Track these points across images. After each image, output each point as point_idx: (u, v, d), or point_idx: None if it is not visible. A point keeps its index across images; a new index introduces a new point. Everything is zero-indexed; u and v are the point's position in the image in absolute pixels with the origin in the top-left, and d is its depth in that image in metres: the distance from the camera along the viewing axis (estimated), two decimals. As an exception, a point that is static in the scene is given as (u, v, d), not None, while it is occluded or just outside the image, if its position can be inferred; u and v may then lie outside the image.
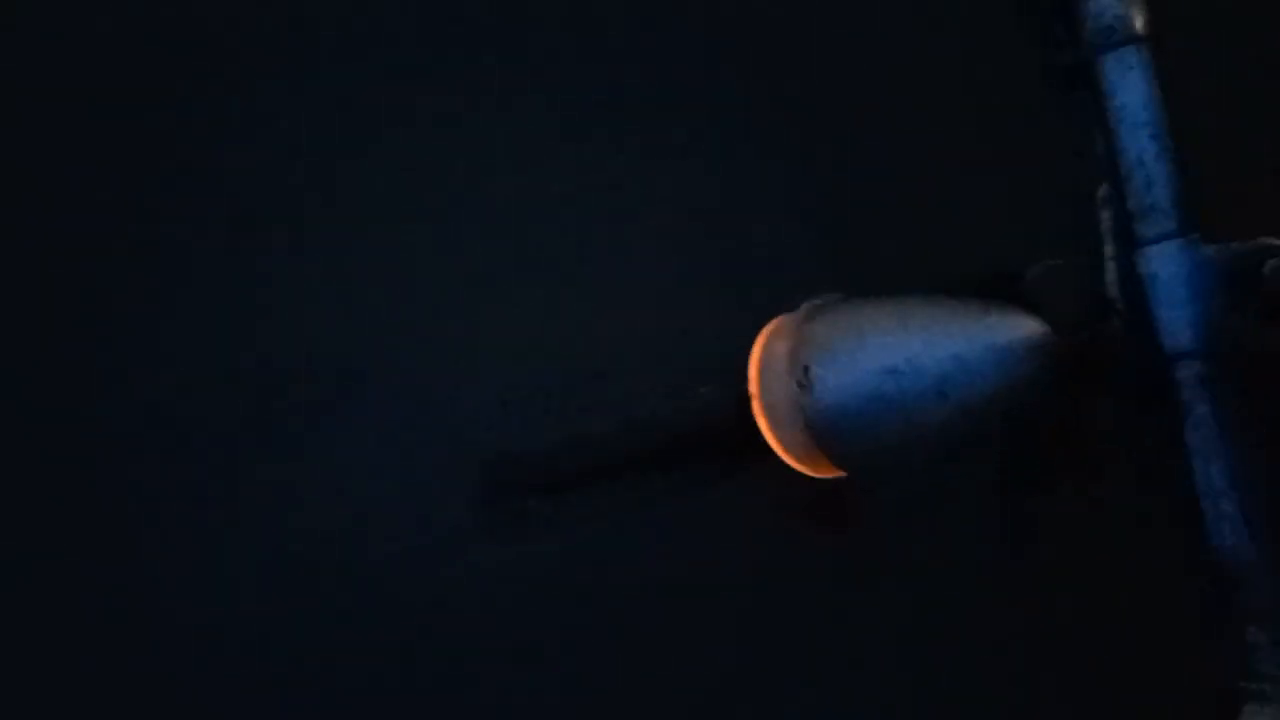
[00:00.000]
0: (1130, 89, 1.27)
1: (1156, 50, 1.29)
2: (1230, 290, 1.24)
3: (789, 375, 1.30)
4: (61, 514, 1.88)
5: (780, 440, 1.33)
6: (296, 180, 1.90)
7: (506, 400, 1.78)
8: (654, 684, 1.78)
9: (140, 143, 1.94)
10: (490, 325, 1.83)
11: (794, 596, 1.75)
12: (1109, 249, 1.29)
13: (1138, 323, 1.27)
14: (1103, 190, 1.30)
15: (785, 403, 1.31)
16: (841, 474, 1.34)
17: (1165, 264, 1.25)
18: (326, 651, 1.84)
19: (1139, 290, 1.26)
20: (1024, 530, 1.60)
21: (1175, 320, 1.25)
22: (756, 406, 1.34)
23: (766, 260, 1.75)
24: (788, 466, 1.38)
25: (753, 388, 1.34)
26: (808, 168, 1.79)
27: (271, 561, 1.85)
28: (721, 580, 1.76)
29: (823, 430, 1.29)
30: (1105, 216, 1.29)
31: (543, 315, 1.81)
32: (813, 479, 1.38)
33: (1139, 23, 1.28)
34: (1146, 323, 1.26)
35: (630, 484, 1.67)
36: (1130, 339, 1.27)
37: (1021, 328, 1.27)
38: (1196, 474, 1.23)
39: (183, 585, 1.87)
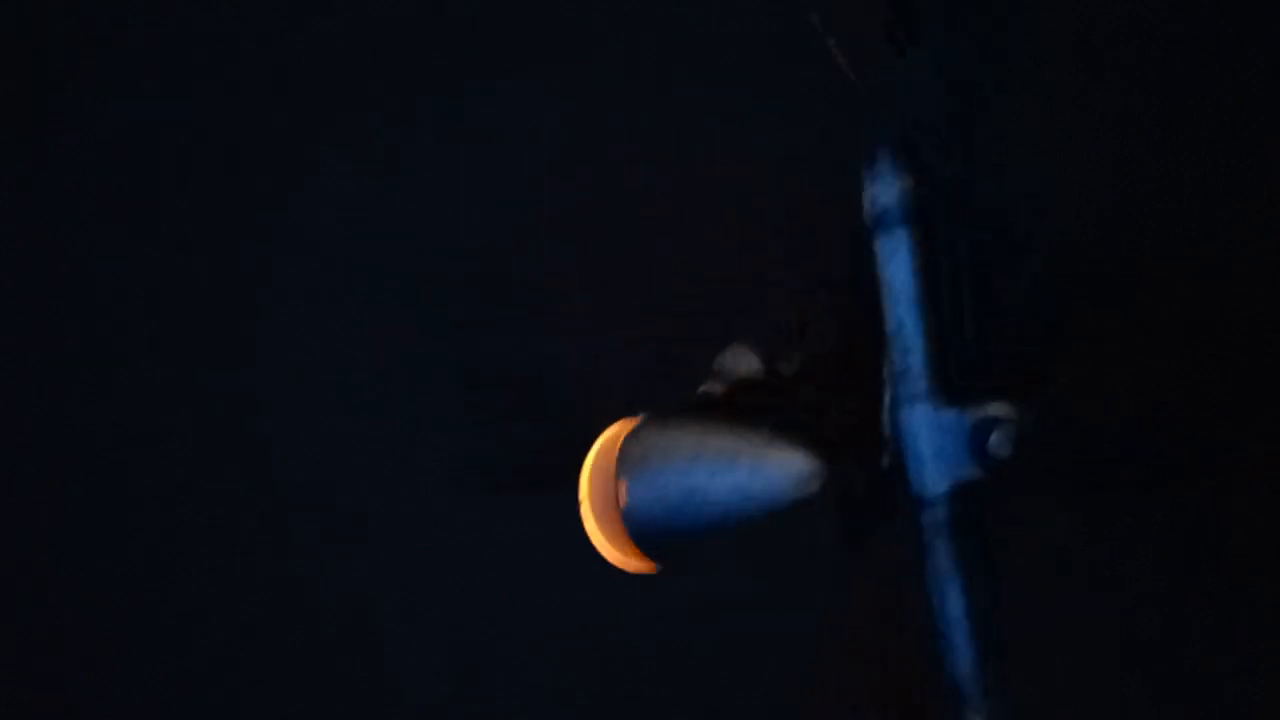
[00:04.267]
0: (898, 266, 1.44)
1: (926, 232, 1.44)
2: (967, 450, 1.42)
3: (610, 487, 1.55)
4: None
5: (604, 535, 1.58)
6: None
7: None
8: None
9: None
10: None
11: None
12: (888, 395, 1.47)
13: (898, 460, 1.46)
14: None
15: (605, 509, 1.56)
16: (652, 567, 1.59)
17: (913, 421, 1.44)
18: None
19: (895, 436, 1.45)
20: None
21: (920, 470, 1.44)
22: (585, 509, 1.60)
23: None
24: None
25: (583, 493, 1.59)
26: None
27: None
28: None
29: (635, 534, 1.54)
30: (886, 365, 1.47)
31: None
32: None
33: (908, 210, 1.43)
34: (899, 465, 1.45)
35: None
36: (895, 475, 1.47)
37: (796, 468, 1.48)
38: (934, 605, 1.44)
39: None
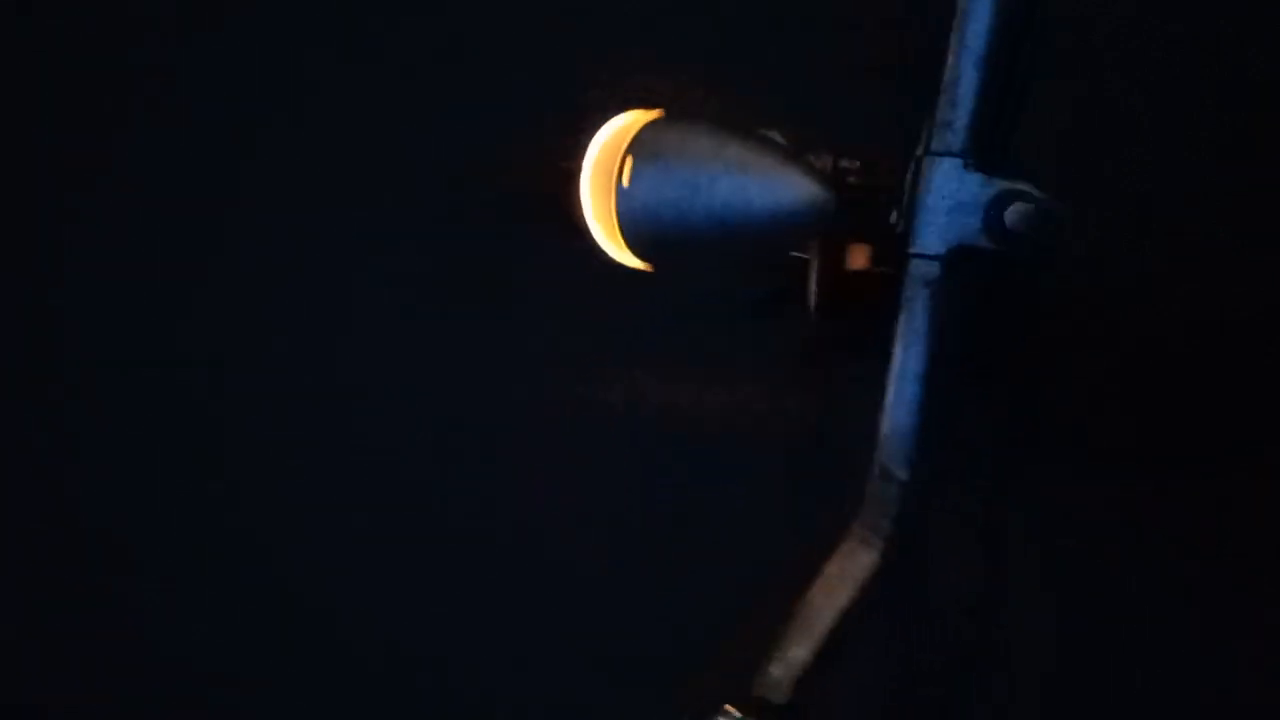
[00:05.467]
0: (978, 16, 1.43)
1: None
2: (981, 216, 1.42)
3: (614, 164, 1.53)
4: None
5: (593, 214, 1.57)
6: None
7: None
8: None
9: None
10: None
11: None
12: (920, 148, 1.47)
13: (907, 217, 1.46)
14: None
15: (603, 186, 1.55)
16: (638, 262, 1.58)
17: (938, 174, 1.44)
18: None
19: (914, 189, 1.45)
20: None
21: (927, 224, 1.44)
22: (581, 180, 1.58)
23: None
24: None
25: (584, 163, 1.58)
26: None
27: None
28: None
29: (625, 217, 1.53)
30: (929, 117, 1.46)
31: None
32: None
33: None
34: (909, 218, 1.45)
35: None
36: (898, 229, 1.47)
37: (806, 191, 1.48)
38: (895, 357, 1.45)
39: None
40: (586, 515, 1.95)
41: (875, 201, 1.51)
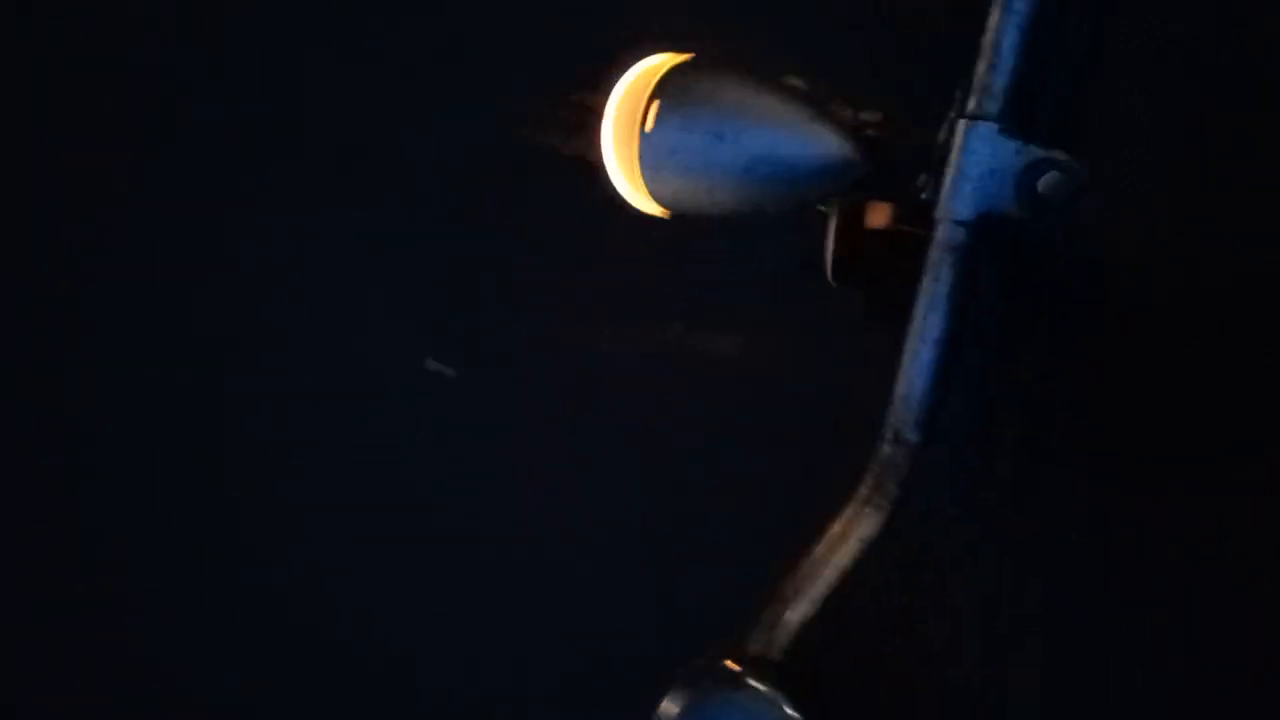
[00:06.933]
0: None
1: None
2: (1013, 184, 1.41)
3: (640, 104, 1.50)
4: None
5: (614, 157, 1.54)
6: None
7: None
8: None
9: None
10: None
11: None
12: (954, 111, 1.45)
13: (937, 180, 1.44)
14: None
15: (626, 129, 1.52)
16: (654, 208, 1.55)
17: (973, 137, 1.41)
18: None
19: (946, 152, 1.43)
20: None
21: (958, 188, 1.41)
22: (604, 121, 1.54)
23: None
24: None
25: (611, 99, 1.54)
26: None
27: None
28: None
29: (648, 162, 1.49)
30: (964, 82, 1.45)
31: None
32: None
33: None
34: (938, 181, 1.43)
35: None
36: (925, 193, 1.45)
37: (834, 148, 1.45)
38: (914, 320, 1.43)
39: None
40: (586, 515, 1.95)
41: (899, 159, 1.48)
